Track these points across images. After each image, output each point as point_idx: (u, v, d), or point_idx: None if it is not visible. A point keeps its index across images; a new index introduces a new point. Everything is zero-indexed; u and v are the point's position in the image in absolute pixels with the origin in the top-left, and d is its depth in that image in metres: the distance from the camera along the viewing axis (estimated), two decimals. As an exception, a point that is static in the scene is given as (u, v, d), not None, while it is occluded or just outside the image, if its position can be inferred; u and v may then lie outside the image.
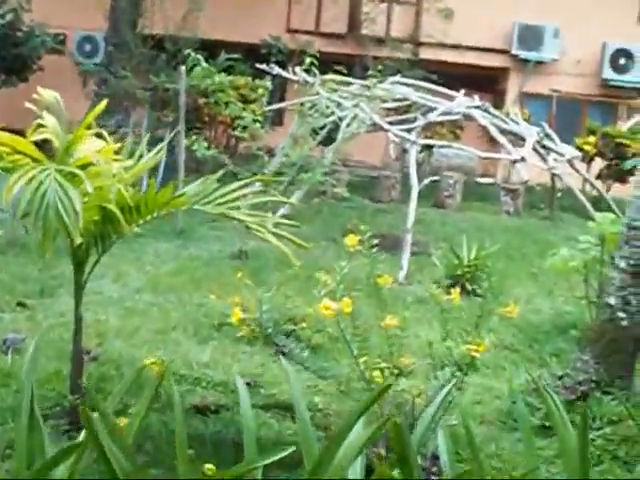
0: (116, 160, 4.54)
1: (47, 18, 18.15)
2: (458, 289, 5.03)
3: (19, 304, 7.30)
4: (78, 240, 3.78)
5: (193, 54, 10.36)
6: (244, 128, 9.80)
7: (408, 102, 12.22)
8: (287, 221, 4.35)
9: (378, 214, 13.59)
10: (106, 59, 17.09)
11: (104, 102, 4.40)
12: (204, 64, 10.64)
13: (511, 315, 4.97)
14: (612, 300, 5.57)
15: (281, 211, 10.15)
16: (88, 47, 20.26)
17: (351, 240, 4.74)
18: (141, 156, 4.66)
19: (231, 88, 15.55)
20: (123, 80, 13.01)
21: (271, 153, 10.71)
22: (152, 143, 4.91)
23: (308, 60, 10.43)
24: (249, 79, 16.27)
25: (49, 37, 18.30)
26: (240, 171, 8.87)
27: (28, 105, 4.69)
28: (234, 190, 4.16)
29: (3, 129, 4.41)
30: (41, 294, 7.68)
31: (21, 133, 4.48)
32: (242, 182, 4.28)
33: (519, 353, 6.89)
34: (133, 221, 4.41)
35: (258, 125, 9.84)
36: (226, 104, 10.31)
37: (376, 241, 4.72)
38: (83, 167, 4.31)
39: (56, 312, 7.06)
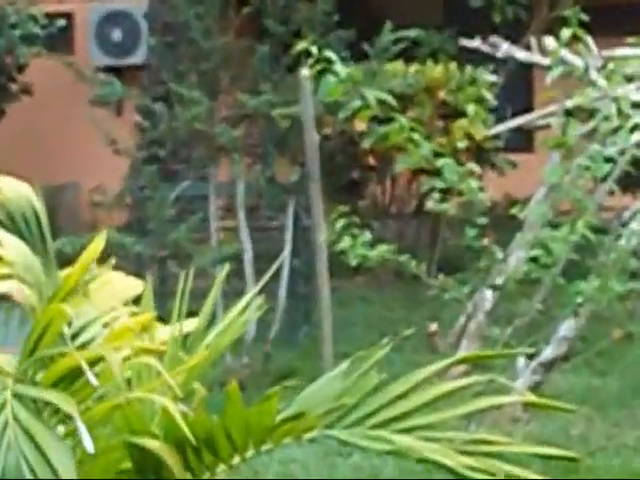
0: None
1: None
2: None
3: None
4: None
5: (316, 50, 6.20)
6: (444, 193, 6.20)
7: None
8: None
9: None
10: (151, 59, 11.47)
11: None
12: (341, 70, 6.32)
13: None
14: None
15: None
16: (118, 35, 13.86)
17: None
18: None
19: (418, 91, 10.87)
20: (188, 111, 8.89)
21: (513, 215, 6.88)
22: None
23: (565, 31, 6.35)
24: (453, 66, 11.15)
25: (38, 25, 12.51)
26: (447, 285, 6.05)
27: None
28: (419, 384, 2.28)
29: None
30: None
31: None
32: (433, 369, 2.49)
33: None
34: (210, 468, 2.51)
35: (474, 185, 6.16)
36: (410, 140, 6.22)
37: None
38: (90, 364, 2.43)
39: None
